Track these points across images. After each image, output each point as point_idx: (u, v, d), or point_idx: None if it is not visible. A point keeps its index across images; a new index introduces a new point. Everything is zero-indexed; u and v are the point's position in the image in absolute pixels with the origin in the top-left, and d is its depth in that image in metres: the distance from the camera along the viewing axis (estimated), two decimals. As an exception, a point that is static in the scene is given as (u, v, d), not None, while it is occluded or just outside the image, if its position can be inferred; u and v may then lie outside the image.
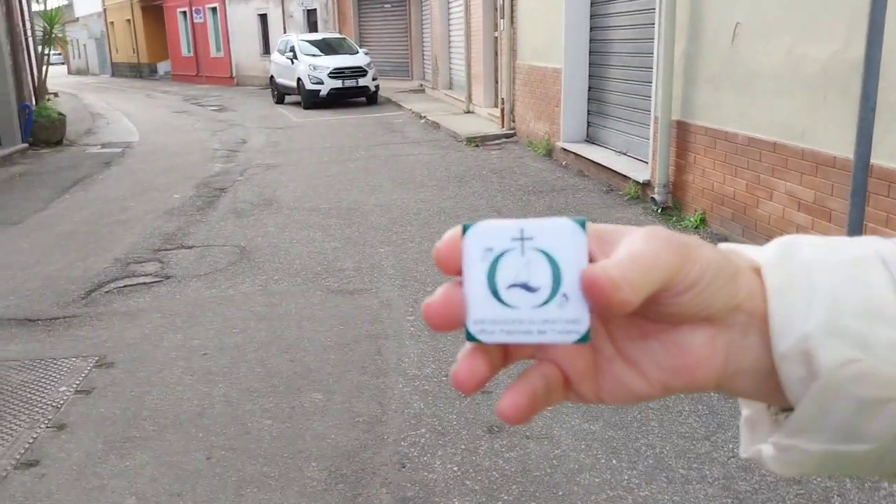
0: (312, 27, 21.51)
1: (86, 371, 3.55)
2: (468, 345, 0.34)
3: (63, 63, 42.27)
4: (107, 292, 4.69)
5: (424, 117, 12.99)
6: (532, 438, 2.95)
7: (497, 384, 3.33)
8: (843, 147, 4.13)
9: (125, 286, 4.81)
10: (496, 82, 11.91)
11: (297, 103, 16.57)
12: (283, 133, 12.38)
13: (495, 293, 0.33)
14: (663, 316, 0.34)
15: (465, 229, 0.33)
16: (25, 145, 10.31)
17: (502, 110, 10.76)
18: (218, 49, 25.09)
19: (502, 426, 3.02)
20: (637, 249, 0.32)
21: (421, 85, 17.93)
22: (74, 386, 3.40)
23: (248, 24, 23.81)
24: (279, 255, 5.40)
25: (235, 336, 3.92)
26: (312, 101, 15.77)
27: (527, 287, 0.33)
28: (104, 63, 35.90)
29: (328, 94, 15.71)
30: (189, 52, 27.03)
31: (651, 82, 6.19)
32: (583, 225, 0.33)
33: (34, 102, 11.55)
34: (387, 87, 17.80)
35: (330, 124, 13.33)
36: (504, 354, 0.36)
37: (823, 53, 4.29)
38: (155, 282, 4.88)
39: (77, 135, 12.28)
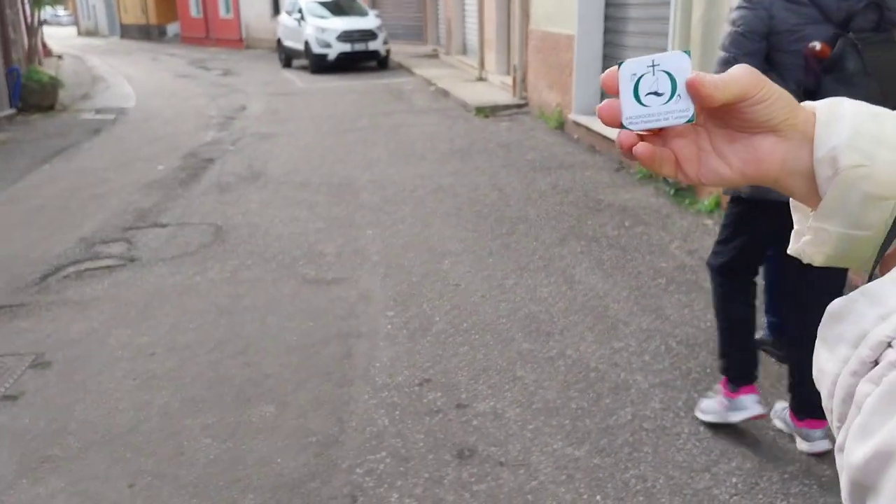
0: (323, -12, 20.78)
1: (18, 372, 3.19)
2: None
3: (74, 24, 41.82)
4: (64, 277, 4.33)
5: (434, 84, 12.44)
6: (507, 466, 2.55)
7: (475, 396, 2.93)
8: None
9: (85, 270, 4.44)
10: (509, 48, 11.33)
11: (304, 67, 16.04)
12: (285, 100, 11.92)
13: (638, 99, 0.52)
14: (744, 123, 0.52)
15: (620, 66, 0.52)
16: (13, 111, 9.92)
17: (514, 79, 10.20)
18: (227, 10, 24.46)
19: (474, 451, 2.63)
20: (730, 72, 0.51)
21: (434, 50, 17.28)
22: (2, 391, 3.05)
23: (258, -16, 23.12)
24: (256, 237, 5.00)
25: (189, 333, 3.55)
26: (320, 65, 15.23)
27: (656, 93, 0.51)
28: (113, 24, 35.36)
29: (336, 58, 15.15)
30: (198, 13, 26.42)
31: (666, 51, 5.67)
32: (688, 53, 0.52)
33: (26, 65, 11.16)
34: (399, 52, 17.19)
35: (336, 90, 12.83)
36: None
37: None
38: (118, 265, 4.51)
39: (72, 99, 11.88)
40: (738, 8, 2.24)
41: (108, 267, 4.49)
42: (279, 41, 17.31)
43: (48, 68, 13.76)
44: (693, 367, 3.14)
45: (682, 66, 0.51)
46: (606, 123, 0.53)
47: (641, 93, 0.52)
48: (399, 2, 19.24)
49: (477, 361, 3.23)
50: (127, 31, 33.23)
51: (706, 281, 3.97)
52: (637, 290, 3.91)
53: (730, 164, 0.53)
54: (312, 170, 6.98)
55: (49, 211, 5.73)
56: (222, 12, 24.81)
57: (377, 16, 16.31)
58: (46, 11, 24.80)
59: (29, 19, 12.20)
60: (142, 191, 6.28)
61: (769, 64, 2.23)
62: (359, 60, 15.49)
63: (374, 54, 15.52)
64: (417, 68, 14.62)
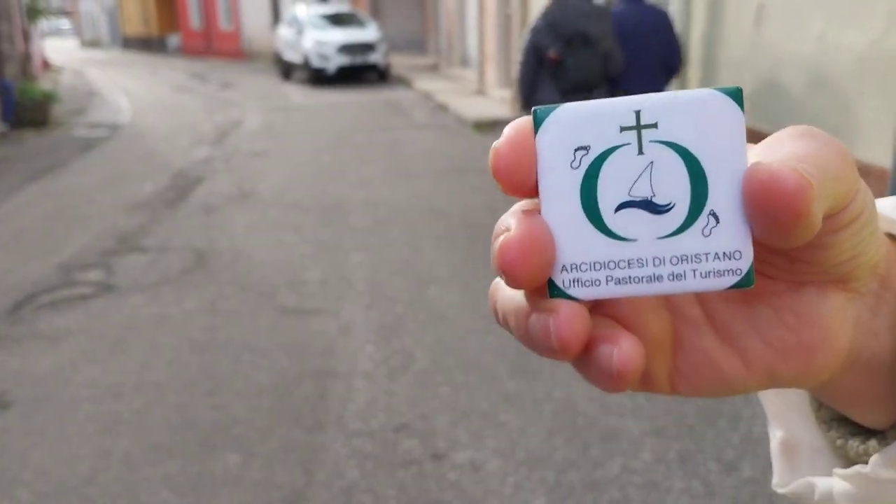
0: None
1: (-24, 415, 3.04)
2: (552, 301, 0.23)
3: (76, 35, 41.93)
4: (37, 307, 4.18)
5: (433, 99, 12.34)
6: (484, 528, 2.38)
7: (453, 445, 2.76)
8: (879, 154, 3.50)
9: (60, 299, 4.30)
10: (508, 62, 11.21)
11: (304, 80, 15.97)
12: (282, 114, 11.81)
13: (597, 219, 0.23)
14: (791, 265, 0.24)
15: (539, 119, 0.22)
16: (6, 128, 9.82)
17: (513, 93, 10.07)
18: (228, 22, 24.47)
19: (449, 509, 2.46)
20: (805, 148, 0.21)
21: (436, 62, 17.19)
22: (-44, 436, 2.90)
23: (259, -4, 23.10)
24: (239, 263, 4.85)
25: (160, 371, 3.39)
26: (319, 78, 15.15)
27: (650, 205, 0.22)
28: (115, 36, 35.44)
29: (335, 71, 15.07)
30: (200, 25, 26.44)
31: (665, 69, 5.52)
32: (738, 98, 0.21)
33: (23, 80, 11.07)
34: (401, 64, 17.12)
35: (334, 105, 12.73)
36: None
37: (860, 42, 3.62)
38: (93, 295, 4.36)
39: (67, 115, 11.77)
40: (528, 34, 4.13)
41: (83, 296, 4.34)
42: (278, 54, 17.24)
43: (46, 82, 13.69)
44: (688, 411, 2.96)
45: (723, 130, 0.21)
46: (518, 282, 0.24)
47: (606, 201, 0.23)
48: (401, 13, 19.19)
49: (459, 405, 3.07)
50: (129, 43, 33.31)
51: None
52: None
53: (745, 351, 0.25)
54: (304, 189, 6.84)
55: (31, 233, 5.59)
56: (223, 24, 24.82)
57: (378, 28, 16.22)
58: (49, 23, 24.83)
59: (23, 33, 12.10)
60: (127, 212, 6.15)
61: (541, 65, 4.05)
62: (358, 73, 15.40)
63: (373, 67, 15.43)
64: (418, 81, 14.52)
